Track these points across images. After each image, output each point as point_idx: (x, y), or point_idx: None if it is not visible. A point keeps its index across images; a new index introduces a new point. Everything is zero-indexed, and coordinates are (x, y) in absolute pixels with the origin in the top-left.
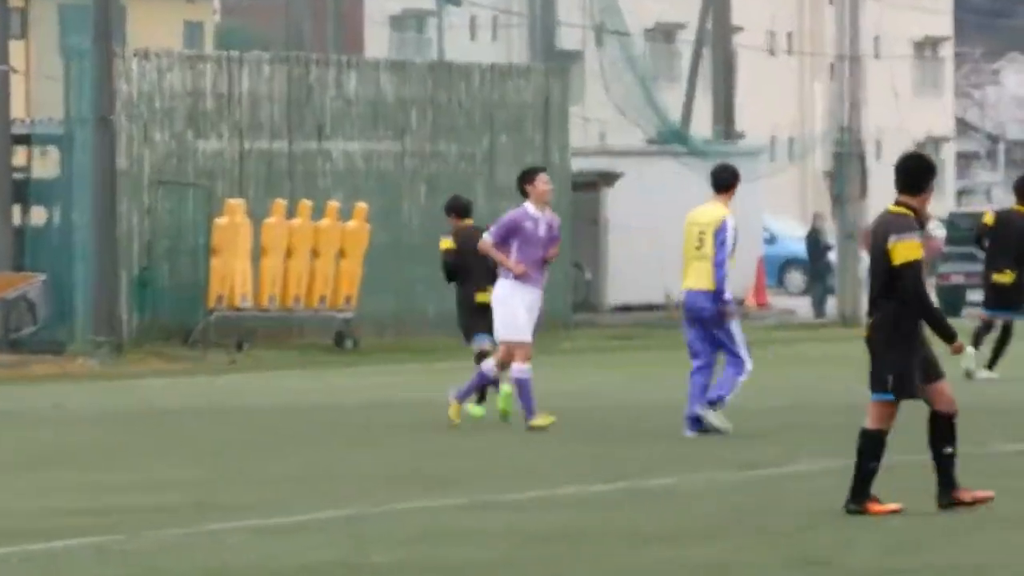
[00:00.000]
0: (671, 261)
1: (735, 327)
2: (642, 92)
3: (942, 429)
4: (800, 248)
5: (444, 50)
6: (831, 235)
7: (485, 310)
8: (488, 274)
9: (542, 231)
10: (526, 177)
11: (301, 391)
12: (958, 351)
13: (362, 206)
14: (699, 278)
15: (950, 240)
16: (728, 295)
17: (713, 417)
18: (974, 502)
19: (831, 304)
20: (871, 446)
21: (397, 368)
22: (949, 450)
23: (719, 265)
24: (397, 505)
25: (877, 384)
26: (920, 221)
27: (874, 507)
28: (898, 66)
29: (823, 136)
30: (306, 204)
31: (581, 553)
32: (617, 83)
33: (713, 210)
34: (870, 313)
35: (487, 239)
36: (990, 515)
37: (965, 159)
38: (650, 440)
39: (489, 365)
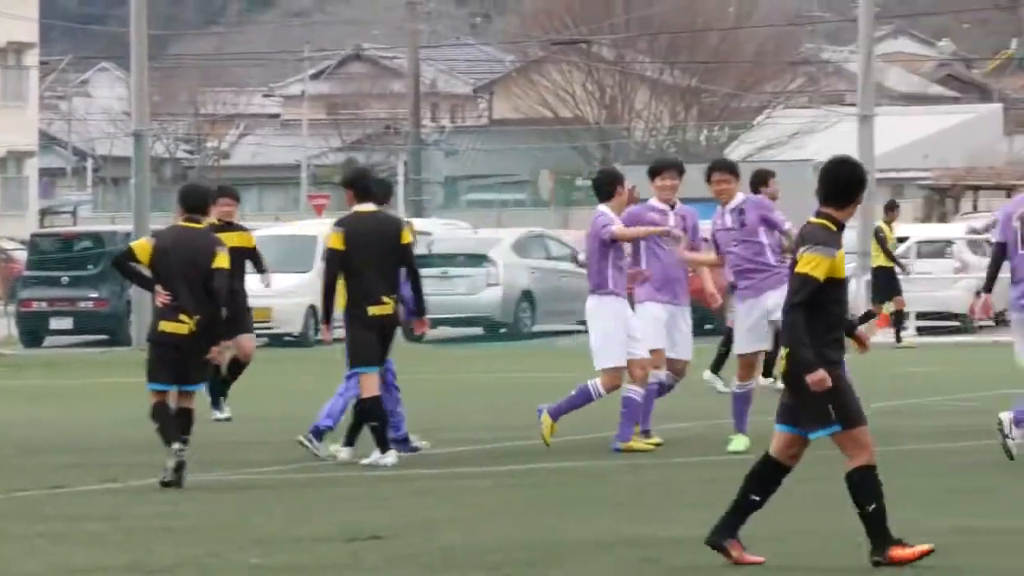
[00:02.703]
0: None
1: None
2: None
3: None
4: None
5: None
6: None
7: None
8: None
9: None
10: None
11: None
12: (816, 383)
13: None
14: None
15: (32, 264)
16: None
17: (320, 448)
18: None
19: None
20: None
21: None
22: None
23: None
24: None
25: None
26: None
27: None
28: None
29: None
30: None
31: None
32: None
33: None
34: None
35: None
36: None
37: (51, 175)
38: None
39: (662, 377)
